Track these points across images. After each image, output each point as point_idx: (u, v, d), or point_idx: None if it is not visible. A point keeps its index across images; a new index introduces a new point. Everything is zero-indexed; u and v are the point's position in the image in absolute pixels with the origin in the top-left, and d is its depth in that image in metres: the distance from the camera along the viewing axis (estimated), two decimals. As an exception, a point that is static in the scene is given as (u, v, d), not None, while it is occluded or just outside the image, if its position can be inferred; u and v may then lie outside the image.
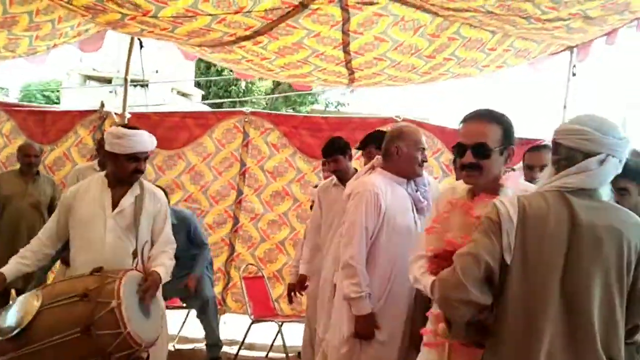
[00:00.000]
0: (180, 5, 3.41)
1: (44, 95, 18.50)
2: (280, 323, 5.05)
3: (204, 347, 4.97)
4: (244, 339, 5.04)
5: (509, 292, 1.64)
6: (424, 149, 3.01)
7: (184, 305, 5.13)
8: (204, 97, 17.55)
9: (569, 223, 1.62)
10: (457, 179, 2.25)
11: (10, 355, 2.38)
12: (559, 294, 1.60)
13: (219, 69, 18.02)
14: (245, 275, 5.47)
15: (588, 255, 1.60)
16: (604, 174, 1.70)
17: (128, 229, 2.96)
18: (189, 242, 4.66)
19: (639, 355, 1.83)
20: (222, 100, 16.26)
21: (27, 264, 2.94)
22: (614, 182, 1.78)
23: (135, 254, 2.96)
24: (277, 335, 5.20)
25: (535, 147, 3.30)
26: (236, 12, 3.53)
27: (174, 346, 5.25)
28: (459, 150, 2.05)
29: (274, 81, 20.65)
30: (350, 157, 3.95)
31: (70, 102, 14.12)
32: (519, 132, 6.21)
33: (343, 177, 3.85)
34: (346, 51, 4.24)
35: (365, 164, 3.60)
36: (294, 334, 5.18)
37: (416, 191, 3.03)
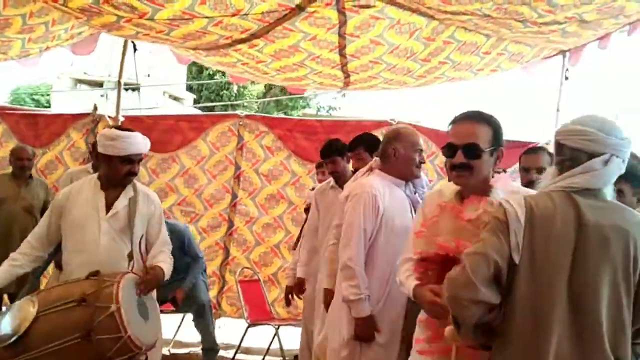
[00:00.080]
0: (177, 8, 3.40)
1: (33, 99, 18.36)
2: (276, 326, 5.03)
3: (200, 351, 4.94)
4: (240, 343, 5.02)
5: (516, 292, 1.64)
6: (421, 150, 3.02)
7: (177, 310, 5.09)
8: (196, 101, 17.51)
9: (575, 223, 1.63)
10: (449, 180, 2.23)
11: (7, 364, 2.35)
12: (566, 294, 1.61)
13: (211, 73, 18.00)
14: (241, 278, 5.44)
15: (595, 255, 1.61)
16: (609, 174, 1.71)
17: (122, 232, 2.94)
18: (183, 254, 4.61)
19: None
20: (213, 104, 16.22)
21: (19, 265, 2.90)
22: None
23: (130, 256, 2.94)
24: (273, 338, 5.18)
25: (531, 150, 3.34)
26: (233, 15, 3.52)
27: (169, 350, 5.21)
28: (449, 150, 2.04)
29: (265, 85, 20.65)
30: (348, 159, 3.93)
31: (60, 105, 14.02)
32: (513, 135, 6.27)
33: (340, 179, 3.84)
34: (342, 54, 4.24)
35: (353, 166, 3.59)
36: (290, 338, 5.16)
37: (414, 193, 3.04)
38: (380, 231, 2.89)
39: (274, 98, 18.80)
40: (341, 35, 3.96)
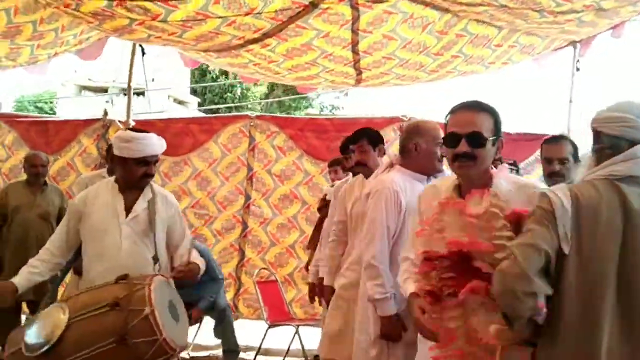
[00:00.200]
0: (190, 8, 3.38)
1: (36, 107, 18.39)
2: (296, 327, 5.00)
3: (220, 354, 4.93)
4: (260, 344, 5.00)
5: (565, 283, 1.61)
6: (442, 144, 2.98)
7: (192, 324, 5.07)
8: (200, 104, 17.51)
9: (622, 211, 1.60)
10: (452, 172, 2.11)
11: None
12: (615, 284, 1.58)
13: (214, 76, 17.99)
14: (258, 280, 5.41)
15: None
16: None
17: (144, 234, 2.91)
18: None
19: None
20: (217, 106, 16.22)
21: (38, 272, 2.86)
22: None
23: (155, 259, 2.92)
24: (293, 339, 5.16)
25: (553, 139, 3.21)
26: (247, 14, 3.50)
27: (188, 354, 5.19)
28: (451, 140, 1.97)
29: (268, 86, 20.65)
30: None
31: (66, 112, 14.04)
32: (526, 127, 6.21)
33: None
34: (355, 51, 4.22)
35: (356, 159, 3.51)
36: (309, 338, 5.14)
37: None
38: (404, 228, 2.85)
39: (277, 99, 18.79)
40: (354, 31, 3.93)
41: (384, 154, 3.62)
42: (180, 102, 15.94)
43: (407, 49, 4.28)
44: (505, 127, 6.08)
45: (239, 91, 18.56)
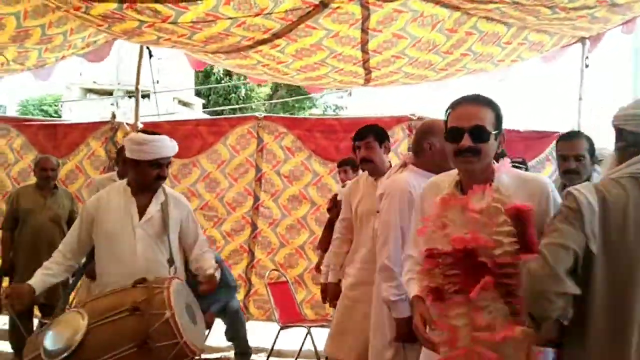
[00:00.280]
0: (200, 10, 3.37)
1: (41, 110, 18.43)
2: (308, 328, 4.99)
3: (231, 356, 4.91)
4: (273, 346, 4.98)
5: (592, 282, 1.59)
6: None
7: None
8: (205, 106, 17.53)
9: None
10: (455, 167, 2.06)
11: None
12: None
13: (218, 78, 17.99)
14: (268, 281, 5.40)
15: None
16: None
17: (157, 237, 2.91)
18: None
19: None
20: (222, 108, 16.23)
21: (52, 273, 2.87)
22: None
23: (170, 262, 2.92)
24: (304, 340, 5.14)
25: (569, 135, 3.15)
26: (257, 15, 3.49)
27: (200, 356, 5.17)
28: (454, 135, 1.92)
29: (272, 87, 20.66)
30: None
31: (71, 116, 14.08)
32: (536, 125, 6.18)
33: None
34: (364, 50, 4.21)
35: (361, 155, 3.47)
36: (321, 339, 5.12)
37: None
38: (418, 228, 2.84)
39: (282, 100, 18.79)
40: (364, 31, 3.92)
41: (390, 151, 3.61)
42: (185, 104, 15.96)
43: (416, 47, 4.26)
44: (515, 125, 6.04)
45: (243, 92, 18.56)
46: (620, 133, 1.76)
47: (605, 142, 3.47)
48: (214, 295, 4.45)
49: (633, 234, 1.58)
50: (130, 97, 14.21)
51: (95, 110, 13.89)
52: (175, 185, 5.82)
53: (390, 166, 3.54)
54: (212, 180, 5.93)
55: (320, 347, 5.02)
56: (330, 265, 3.82)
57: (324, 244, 4.63)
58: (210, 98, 18.36)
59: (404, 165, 3.19)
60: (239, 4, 3.34)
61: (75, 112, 14.30)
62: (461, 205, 1.92)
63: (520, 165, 3.74)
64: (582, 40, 4.97)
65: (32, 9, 3.88)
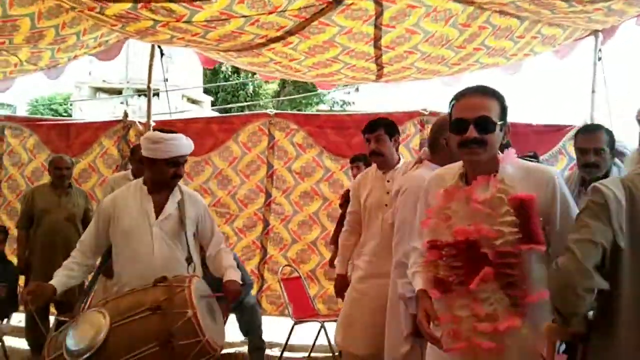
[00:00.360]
0: (215, 8, 3.37)
1: (51, 109, 18.53)
2: (322, 323, 5.01)
3: (245, 351, 4.94)
4: (287, 341, 5.01)
5: (620, 276, 1.59)
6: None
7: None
8: (213, 103, 17.57)
9: None
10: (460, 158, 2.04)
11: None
12: None
13: (226, 75, 18.01)
14: (281, 277, 5.42)
15: None
16: None
17: (175, 236, 2.92)
18: None
19: None
20: (230, 106, 16.26)
21: (74, 275, 2.89)
22: None
23: (189, 260, 2.93)
24: (318, 335, 5.17)
25: (588, 128, 3.12)
26: (270, 12, 3.49)
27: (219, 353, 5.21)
28: (459, 126, 1.90)
29: (279, 83, 20.65)
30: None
31: (81, 115, 14.15)
32: (549, 119, 6.21)
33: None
34: (377, 46, 4.19)
35: (370, 148, 3.46)
36: (333, 334, 5.14)
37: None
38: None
39: (290, 97, 18.79)
40: (377, 27, 3.91)
41: (399, 144, 3.61)
42: (194, 102, 15.99)
43: (429, 42, 4.25)
44: (527, 119, 5.99)
45: (251, 89, 18.59)
46: (643, 128, 1.76)
47: (618, 135, 3.45)
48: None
49: None
50: (139, 95, 14.28)
51: (105, 109, 13.95)
52: (188, 182, 5.85)
53: (399, 160, 3.55)
54: (224, 178, 5.95)
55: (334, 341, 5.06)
56: (338, 258, 3.85)
57: (336, 240, 4.63)
58: (218, 95, 18.40)
59: (420, 161, 3.19)
60: (253, 2, 3.34)
61: (86, 111, 14.38)
62: (465, 196, 1.91)
63: (532, 160, 3.72)
64: (594, 33, 4.94)
65: (47, 9, 3.89)
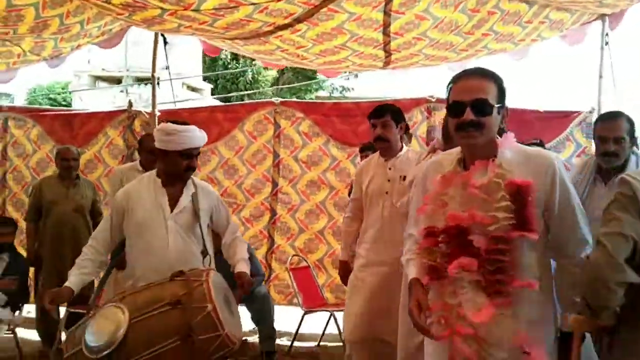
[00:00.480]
0: (224, -5, 3.33)
1: (49, 98, 18.42)
2: (331, 312, 5.02)
3: (256, 340, 4.95)
4: (297, 330, 5.02)
5: None
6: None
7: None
8: (213, 91, 17.48)
9: None
10: (457, 142, 1.98)
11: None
12: None
13: (225, 62, 17.88)
14: (290, 266, 5.42)
15: None
16: None
17: (189, 229, 2.90)
18: None
19: None
20: (230, 95, 16.16)
21: (89, 272, 2.86)
22: None
23: (204, 253, 2.92)
24: (327, 324, 5.18)
25: (608, 116, 3.01)
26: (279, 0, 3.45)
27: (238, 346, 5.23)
28: (456, 109, 1.85)
29: (278, 70, 20.52)
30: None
31: (81, 104, 14.08)
32: (556, 105, 6.18)
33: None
34: (386, 33, 4.16)
35: (375, 134, 3.42)
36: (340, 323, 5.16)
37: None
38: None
39: (289, 86, 18.68)
40: (386, 13, 3.87)
41: (404, 131, 3.58)
42: (194, 89, 15.91)
43: (438, 28, 4.21)
44: (534, 105, 5.93)
45: (250, 76, 18.48)
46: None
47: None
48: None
49: None
50: (139, 84, 14.18)
51: (105, 98, 13.87)
52: (195, 173, 5.80)
53: (402, 148, 3.52)
54: (230, 167, 5.92)
55: (335, 331, 5.08)
56: (341, 244, 3.85)
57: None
58: (218, 82, 18.29)
59: (433, 151, 3.17)
60: (263, -11, 3.30)
61: (86, 100, 14.30)
62: (462, 182, 1.88)
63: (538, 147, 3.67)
64: (602, 17, 4.90)
65: (52, -2, 3.85)
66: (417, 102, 5.66)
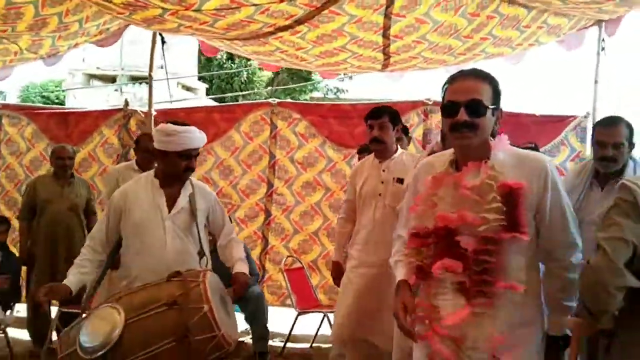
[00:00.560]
0: (226, -4, 3.32)
1: (43, 96, 18.29)
2: (324, 313, 5.02)
3: (249, 341, 4.93)
4: (290, 331, 5.01)
5: None
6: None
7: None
8: (208, 90, 17.44)
9: None
10: (452, 143, 1.97)
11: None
12: None
13: (221, 62, 17.85)
14: (285, 267, 5.41)
15: None
16: None
17: (187, 230, 2.89)
18: None
19: None
20: (225, 95, 16.13)
21: (87, 272, 2.83)
22: None
23: (201, 254, 2.91)
24: (320, 325, 5.18)
25: (608, 121, 2.98)
26: (281, 1, 3.44)
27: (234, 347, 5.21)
28: (450, 109, 1.84)
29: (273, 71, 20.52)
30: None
31: (75, 102, 13.98)
32: (552, 109, 6.16)
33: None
34: (386, 35, 4.17)
35: (372, 135, 3.41)
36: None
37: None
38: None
39: (284, 87, 18.69)
40: (387, 16, 3.88)
41: (404, 134, 3.58)
42: (189, 89, 15.86)
43: (437, 32, 4.23)
44: (530, 109, 5.97)
45: (245, 76, 18.46)
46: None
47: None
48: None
49: None
50: (134, 83, 14.12)
51: (99, 97, 13.80)
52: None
53: (397, 150, 3.53)
54: (225, 168, 5.91)
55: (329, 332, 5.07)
56: (335, 245, 3.86)
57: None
58: (213, 82, 18.26)
59: (431, 154, 3.17)
60: (265, -10, 3.30)
61: (79, 99, 14.22)
62: (454, 183, 1.87)
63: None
64: (598, 23, 4.93)
65: (53, -4, 3.83)
66: (413, 105, 5.68)
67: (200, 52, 17.58)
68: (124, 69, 14.06)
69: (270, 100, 6.04)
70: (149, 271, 2.71)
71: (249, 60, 17.38)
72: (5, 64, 5.23)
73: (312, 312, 5.09)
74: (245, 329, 5.09)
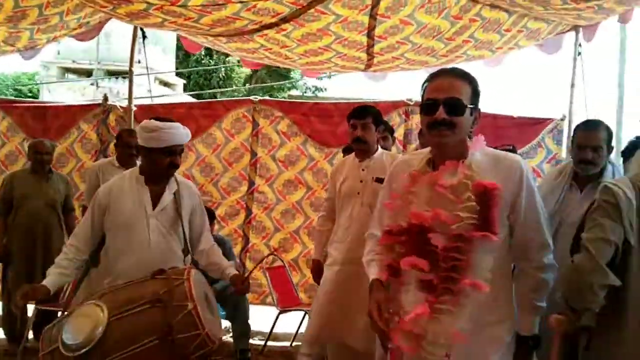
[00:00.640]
0: (212, -7, 3.30)
1: (15, 89, 17.89)
2: (305, 311, 5.03)
3: (230, 339, 4.91)
4: (271, 330, 5.01)
5: (629, 273, 1.65)
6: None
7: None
8: (185, 86, 17.27)
9: None
10: (429, 141, 1.98)
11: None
12: None
13: (199, 58, 17.69)
14: (265, 265, 5.40)
15: None
16: None
17: (171, 227, 2.86)
18: None
19: None
20: (202, 92, 16.00)
21: (67, 273, 2.78)
22: None
23: (185, 252, 2.89)
24: (300, 324, 5.18)
25: (589, 124, 3.03)
26: (268, -1, 3.44)
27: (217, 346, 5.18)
28: (429, 107, 1.84)
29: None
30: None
31: (50, 96, 13.70)
32: (529, 112, 6.27)
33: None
34: (370, 36, 4.19)
35: (355, 135, 3.41)
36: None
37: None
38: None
39: (263, 85, 18.62)
40: (372, 16, 3.91)
41: (390, 133, 3.58)
42: (167, 84, 15.68)
43: (421, 34, 4.27)
44: (508, 111, 6.03)
45: (223, 72, 18.33)
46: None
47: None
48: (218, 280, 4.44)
49: None
50: (110, 77, 13.91)
51: (75, 91, 13.56)
52: (173, 170, 5.75)
53: (377, 150, 3.54)
54: (207, 165, 5.87)
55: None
56: (314, 243, 3.87)
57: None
58: (191, 78, 18.09)
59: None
60: (252, -13, 3.29)
61: (54, 93, 13.94)
62: (430, 181, 1.88)
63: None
64: (575, 28, 5.04)
65: (34, -13, 3.76)
66: (395, 105, 5.72)
67: (178, 48, 17.38)
68: (100, 63, 13.84)
69: (252, 97, 6.01)
70: (133, 268, 2.68)
71: (227, 56, 17.24)
72: (-19, 56, 5.11)
73: (294, 310, 5.09)
74: (226, 327, 5.07)
